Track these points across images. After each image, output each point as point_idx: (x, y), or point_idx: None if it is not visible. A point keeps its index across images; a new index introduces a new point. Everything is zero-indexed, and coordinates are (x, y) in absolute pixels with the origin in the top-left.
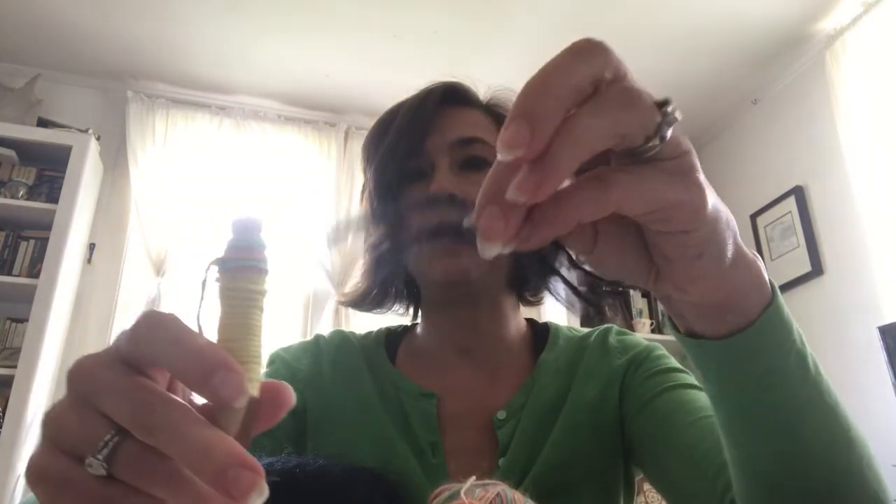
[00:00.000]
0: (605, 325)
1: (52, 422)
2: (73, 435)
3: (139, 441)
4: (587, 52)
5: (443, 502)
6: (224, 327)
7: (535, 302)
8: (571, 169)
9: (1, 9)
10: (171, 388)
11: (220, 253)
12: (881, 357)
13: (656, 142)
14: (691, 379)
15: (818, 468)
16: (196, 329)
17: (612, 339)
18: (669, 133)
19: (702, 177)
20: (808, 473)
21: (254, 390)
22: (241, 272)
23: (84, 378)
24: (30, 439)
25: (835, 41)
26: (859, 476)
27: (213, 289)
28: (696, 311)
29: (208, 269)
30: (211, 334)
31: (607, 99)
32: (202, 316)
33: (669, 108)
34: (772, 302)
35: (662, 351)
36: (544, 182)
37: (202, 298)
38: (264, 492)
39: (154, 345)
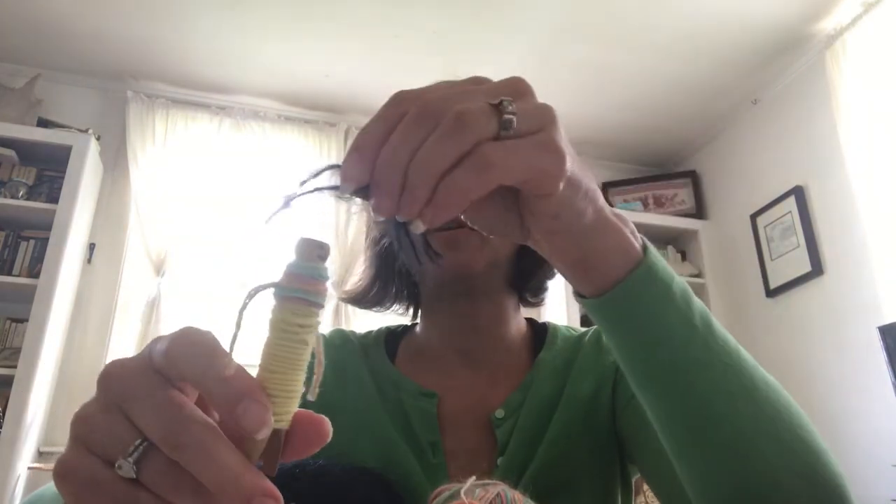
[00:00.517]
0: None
1: (82, 422)
2: (104, 437)
3: (162, 454)
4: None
5: (443, 502)
6: (267, 356)
7: (536, 303)
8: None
9: (1, 9)
10: (200, 403)
11: (279, 276)
12: (881, 357)
13: (508, 132)
14: None
15: (720, 428)
16: (229, 352)
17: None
18: (514, 122)
19: (564, 146)
20: (711, 433)
21: (283, 423)
22: (294, 303)
23: (117, 383)
24: (30, 439)
25: (835, 41)
26: (771, 437)
27: (256, 311)
28: (565, 269)
29: (253, 294)
30: (244, 357)
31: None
32: (235, 342)
33: (502, 106)
34: (640, 264)
35: None
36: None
37: (238, 325)
38: None
39: (189, 362)
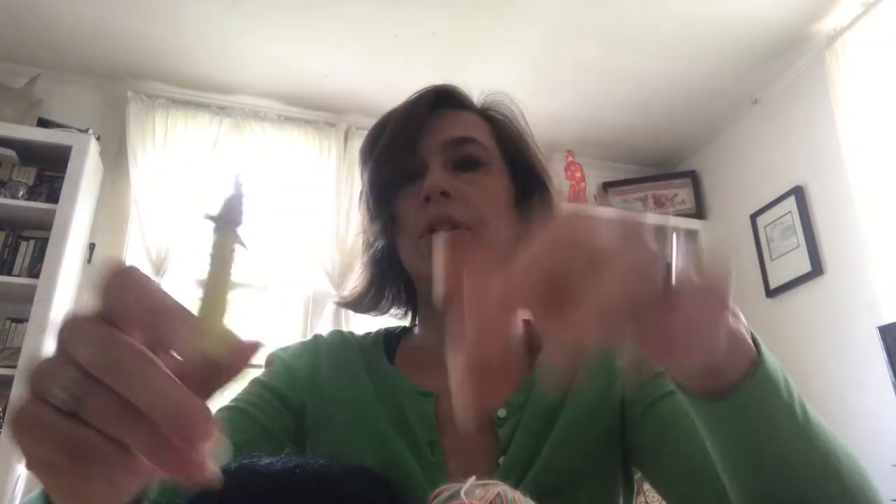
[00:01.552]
0: None
1: (30, 372)
2: (45, 378)
3: (108, 388)
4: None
5: (443, 502)
6: (208, 282)
7: None
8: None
9: (1, 9)
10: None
11: (217, 211)
12: (881, 357)
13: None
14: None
15: None
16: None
17: None
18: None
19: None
20: None
21: (220, 346)
22: (231, 231)
23: (64, 331)
24: None
25: (835, 41)
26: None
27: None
28: (677, 376)
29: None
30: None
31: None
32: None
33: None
34: (756, 366)
35: None
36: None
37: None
38: (218, 439)
39: (120, 299)
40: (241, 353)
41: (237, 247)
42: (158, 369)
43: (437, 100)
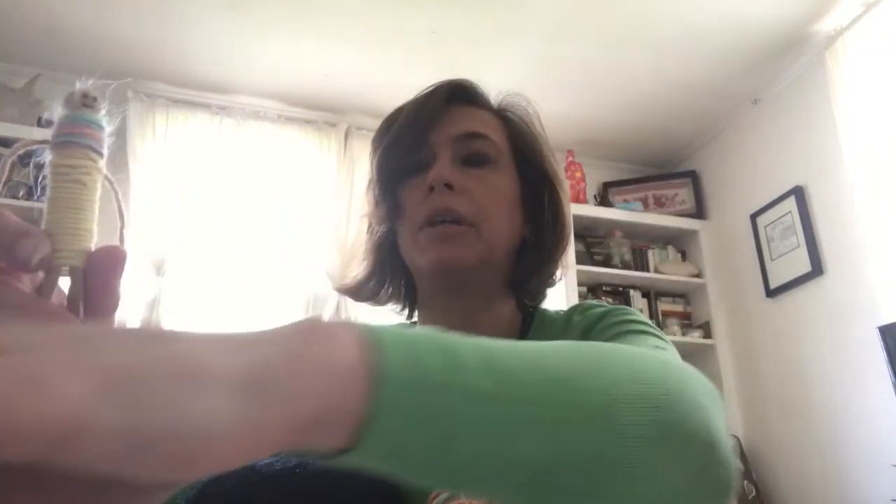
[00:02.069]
0: (576, 304)
1: None
2: None
3: None
4: None
5: (442, 502)
6: (48, 202)
7: (533, 308)
8: None
9: (1, 9)
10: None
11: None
12: (881, 357)
13: None
14: (648, 337)
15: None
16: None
17: (577, 316)
18: None
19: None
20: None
21: (74, 260)
22: (62, 147)
23: None
24: None
25: (835, 41)
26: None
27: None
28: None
29: (19, 148)
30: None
31: None
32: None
33: None
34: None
35: (622, 312)
36: None
37: (41, 182)
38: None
39: None
40: (101, 260)
41: (80, 163)
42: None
43: (452, 94)
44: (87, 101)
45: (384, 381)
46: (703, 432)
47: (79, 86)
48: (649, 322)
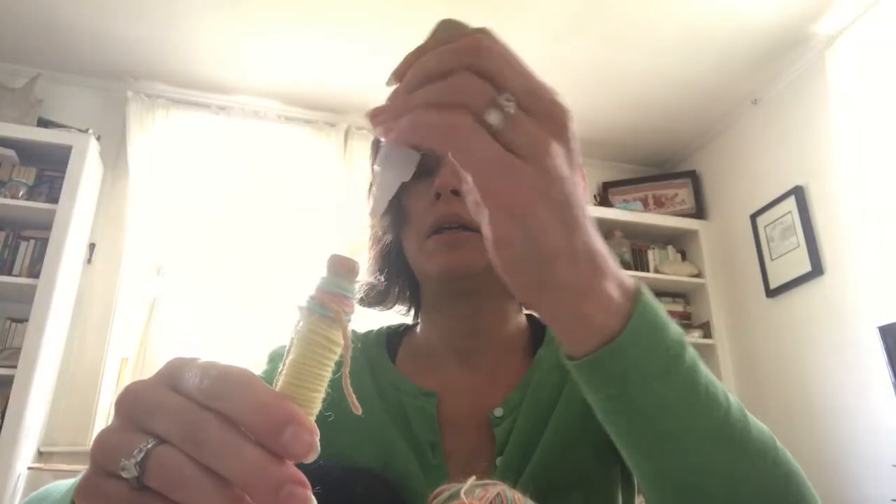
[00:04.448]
0: None
1: (97, 444)
2: (114, 452)
3: (172, 448)
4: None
5: (443, 502)
6: (296, 370)
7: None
8: None
9: (1, 9)
10: None
11: (312, 291)
12: (881, 357)
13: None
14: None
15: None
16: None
17: None
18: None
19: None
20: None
21: None
22: (328, 321)
23: (133, 400)
24: (30, 439)
25: (835, 41)
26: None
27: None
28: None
29: (304, 310)
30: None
31: None
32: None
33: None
34: (630, 318)
35: None
36: None
37: (292, 342)
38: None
39: (225, 395)
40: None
41: (333, 337)
42: (252, 441)
43: None
44: (352, 272)
45: (647, 304)
46: None
47: (344, 256)
48: None
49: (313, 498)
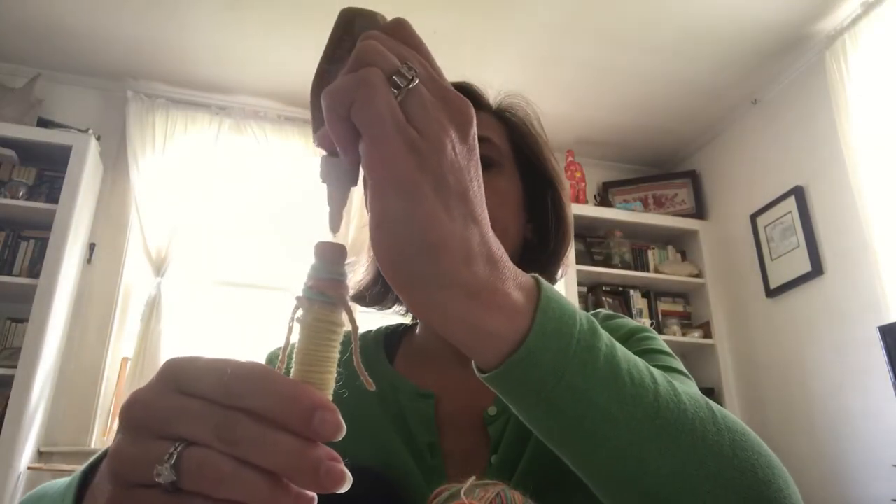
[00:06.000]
0: (593, 311)
1: (115, 460)
2: (138, 461)
3: (204, 449)
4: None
5: (443, 502)
6: (307, 356)
7: None
8: None
9: (1, 9)
10: None
11: (307, 280)
12: (881, 357)
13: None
14: (676, 363)
15: (642, 482)
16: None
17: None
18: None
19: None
20: (634, 487)
21: None
22: (328, 305)
23: (142, 410)
24: (30, 439)
25: (835, 41)
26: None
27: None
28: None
29: (297, 307)
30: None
31: None
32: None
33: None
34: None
35: (649, 333)
36: None
37: (288, 337)
38: (349, 478)
39: (250, 391)
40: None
41: (339, 321)
42: (283, 429)
43: None
44: (344, 256)
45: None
46: None
47: (330, 242)
48: (671, 351)
49: (348, 472)
